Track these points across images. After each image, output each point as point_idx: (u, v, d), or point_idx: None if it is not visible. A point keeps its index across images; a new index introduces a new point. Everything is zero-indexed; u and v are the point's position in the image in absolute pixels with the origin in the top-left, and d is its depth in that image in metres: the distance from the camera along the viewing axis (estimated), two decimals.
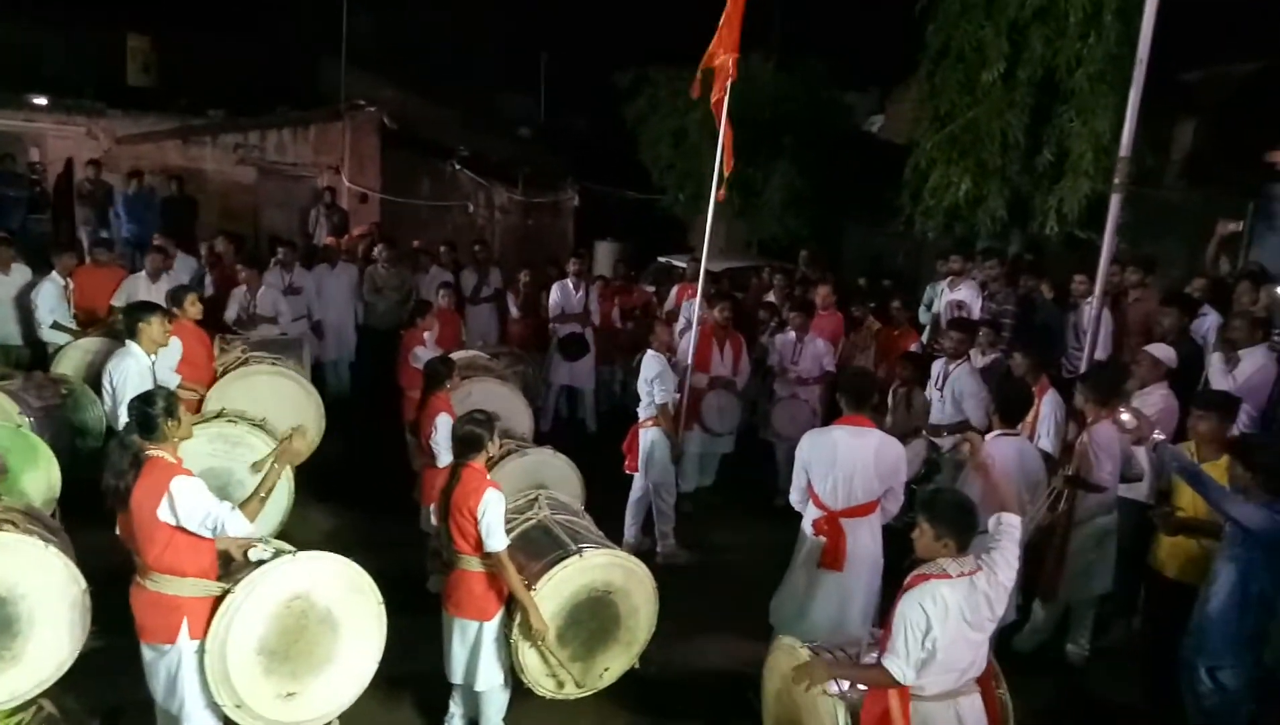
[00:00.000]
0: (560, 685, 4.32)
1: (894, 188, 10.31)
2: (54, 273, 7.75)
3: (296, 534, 5.67)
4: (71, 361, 6.70)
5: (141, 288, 7.81)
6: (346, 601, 3.96)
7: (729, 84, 6.23)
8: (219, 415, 5.67)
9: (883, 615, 3.88)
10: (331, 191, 13.00)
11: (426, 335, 7.48)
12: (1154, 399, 5.46)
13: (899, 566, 3.56)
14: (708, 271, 7.09)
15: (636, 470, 6.53)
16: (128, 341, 5.58)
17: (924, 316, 8.92)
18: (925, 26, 9.72)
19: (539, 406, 8.94)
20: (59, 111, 12.96)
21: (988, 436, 4.86)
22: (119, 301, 7.68)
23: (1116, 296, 7.46)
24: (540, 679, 4.27)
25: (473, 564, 4.09)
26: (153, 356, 5.61)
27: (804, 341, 7.68)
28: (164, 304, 6.12)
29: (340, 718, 4.07)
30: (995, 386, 5.77)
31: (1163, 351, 5.68)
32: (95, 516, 3.71)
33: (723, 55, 6.17)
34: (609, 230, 15.96)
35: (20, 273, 8.00)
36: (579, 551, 4.27)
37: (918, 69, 10.19)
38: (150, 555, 3.56)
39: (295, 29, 15.29)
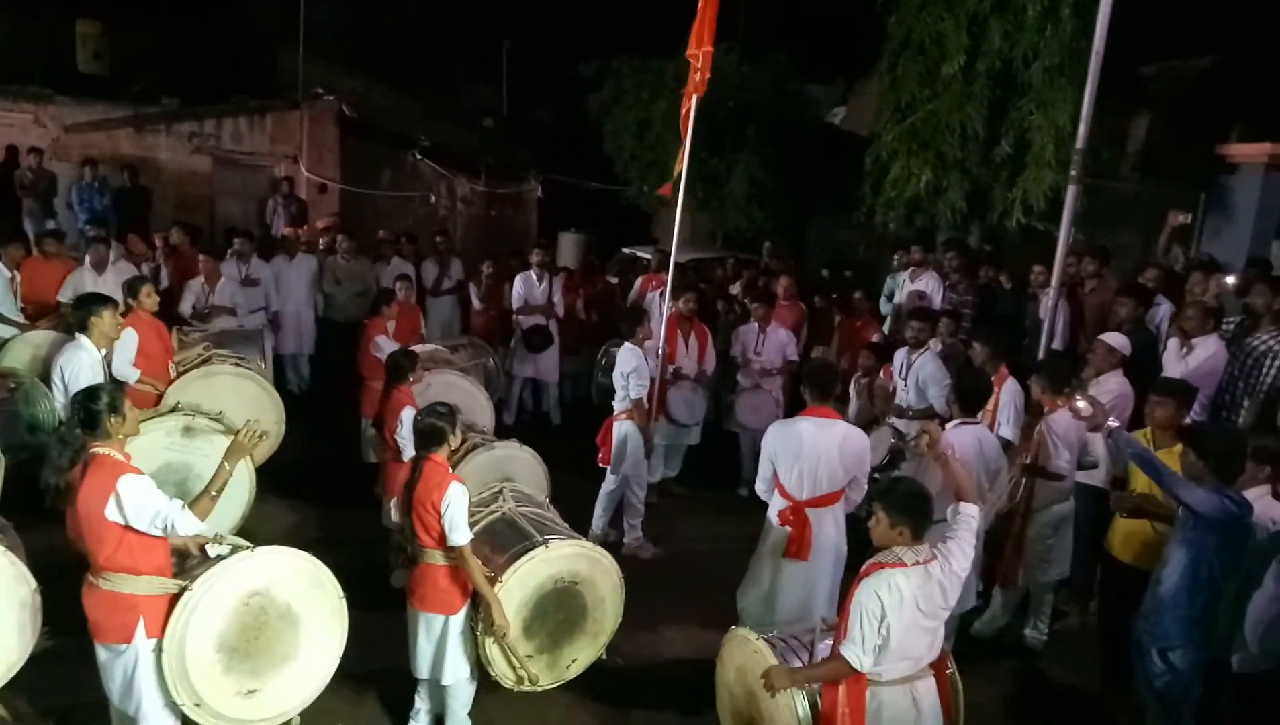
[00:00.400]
0: (523, 680, 4.29)
1: (856, 179, 10.38)
2: None
3: (257, 530, 5.59)
4: (19, 355, 6.52)
5: (88, 280, 7.62)
6: (307, 596, 3.90)
7: (700, 78, 6.19)
8: (174, 409, 5.55)
9: (840, 603, 3.92)
10: (289, 181, 12.80)
11: (389, 325, 7.40)
12: (1109, 386, 5.55)
13: (860, 555, 3.59)
14: (674, 263, 7.08)
15: (609, 463, 6.51)
16: (78, 335, 5.46)
17: (885, 307, 9.00)
18: (887, 19, 9.79)
19: (502, 399, 8.91)
20: (4, 98, 12.58)
21: (948, 425, 4.92)
22: (65, 295, 7.50)
23: (1073, 287, 7.58)
24: (507, 672, 4.25)
25: (437, 558, 4.06)
26: (104, 350, 5.48)
27: (766, 332, 7.72)
28: (113, 295, 5.99)
29: (304, 714, 4.02)
30: (954, 375, 5.84)
31: (1117, 340, 5.78)
32: (47, 513, 3.62)
33: (698, 49, 6.13)
34: (572, 221, 15.90)
35: None
36: (544, 542, 4.25)
37: (880, 61, 10.26)
38: (102, 555, 3.47)
39: (252, 16, 15.01)
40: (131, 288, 6.33)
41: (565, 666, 4.45)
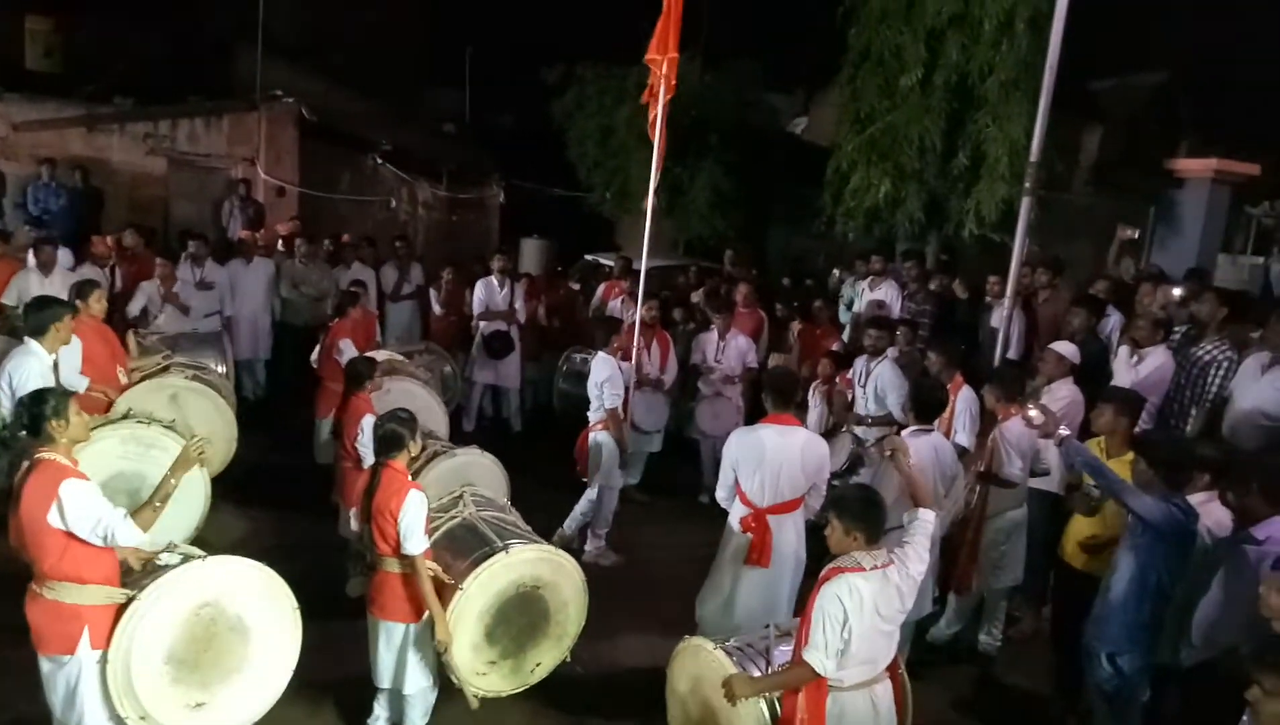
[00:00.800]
0: (474, 697, 4.25)
1: (817, 189, 10.49)
2: None
3: (212, 538, 5.50)
4: None
5: (34, 282, 7.41)
6: (259, 608, 3.85)
7: (665, 86, 6.18)
8: (127, 416, 5.43)
9: (799, 608, 3.95)
10: (246, 184, 12.60)
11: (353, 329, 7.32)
12: (1060, 394, 5.66)
13: (820, 562, 3.62)
14: (637, 271, 7.09)
15: (586, 475, 6.48)
16: (26, 339, 5.30)
17: (844, 316, 9.09)
18: (847, 31, 9.91)
19: (461, 405, 8.85)
20: None
21: (904, 433, 4.99)
22: (10, 298, 7.30)
23: (1028, 297, 7.72)
24: (470, 678, 4.21)
25: (396, 566, 4.02)
26: (54, 355, 5.34)
27: (727, 340, 7.76)
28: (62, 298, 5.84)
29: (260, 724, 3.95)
30: (911, 385, 5.92)
31: (1067, 349, 5.90)
32: None
33: (662, 56, 6.13)
34: (535, 227, 15.86)
35: None
36: (506, 548, 4.24)
37: (840, 72, 10.39)
38: (46, 563, 3.39)
39: (208, 15, 14.76)
40: (81, 291, 6.17)
41: (530, 671, 4.44)
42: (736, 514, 4.76)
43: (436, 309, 9.48)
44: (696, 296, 9.58)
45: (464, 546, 4.35)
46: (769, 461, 4.60)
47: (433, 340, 9.15)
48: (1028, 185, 5.98)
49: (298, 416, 7.82)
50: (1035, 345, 7.44)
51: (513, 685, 4.40)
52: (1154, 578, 3.99)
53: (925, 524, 3.56)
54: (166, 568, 3.64)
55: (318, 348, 7.36)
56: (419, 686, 4.17)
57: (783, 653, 3.64)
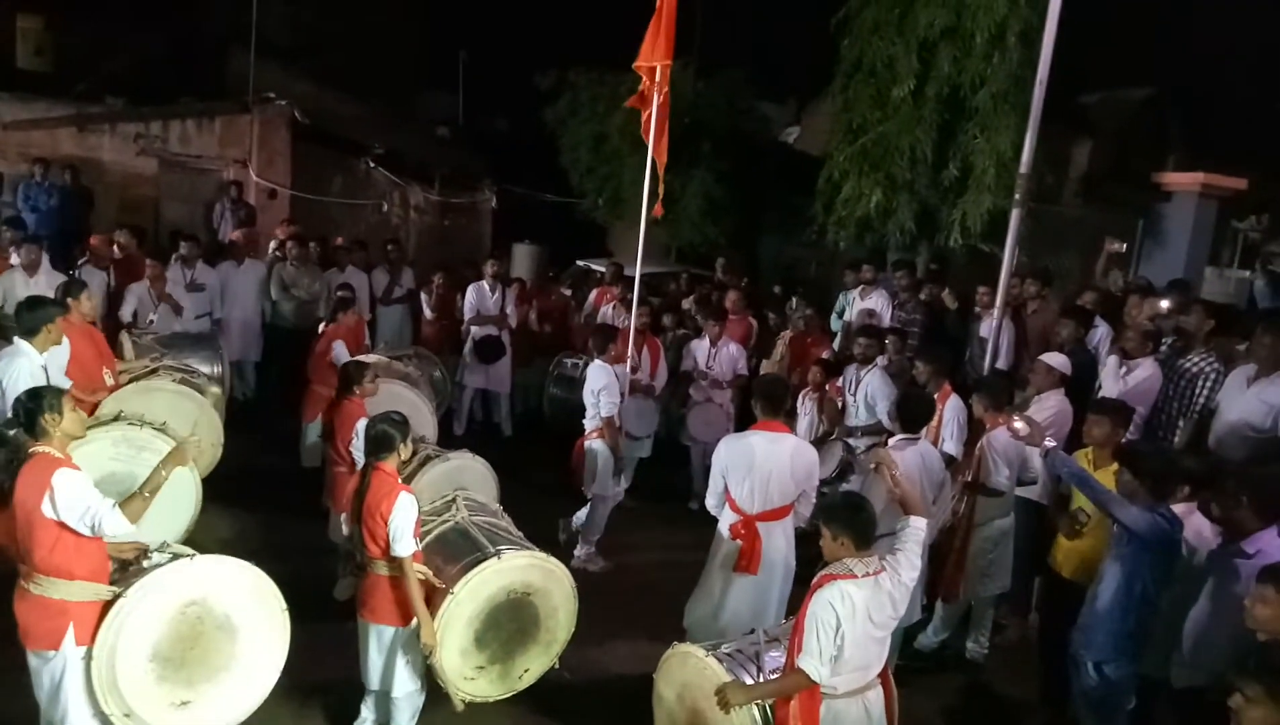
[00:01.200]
0: (460, 700, 4.24)
1: (808, 198, 10.54)
2: None
3: (201, 540, 5.45)
4: None
5: (19, 283, 7.38)
6: (246, 607, 3.84)
7: (662, 93, 6.20)
8: (118, 418, 5.40)
9: (788, 615, 3.96)
10: (238, 186, 12.57)
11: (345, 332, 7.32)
12: (1049, 405, 5.70)
13: (809, 569, 3.64)
14: (628, 277, 7.11)
15: (582, 484, 6.48)
16: (16, 339, 5.27)
17: (836, 324, 9.13)
18: (840, 41, 9.97)
19: (452, 409, 8.84)
20: None
21: (891, 441, 5.03)
22: None
23: (1017, 308, 7.78)
24: (458, 683, 4.21)
25: (386, 569, 4.02)
26: (45, 355, 5.31)
27: (718, 346, 7.78)
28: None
29: None
30: (899, 394, 5.96)
31: (1057, 360, 5.94)
32: None
33: (653, 63, 6.14)
34: (527, 233, 15.86)
35: None
36: (497, 553, 4.23)
37: (833, 83, 10.45)
38: (37, 555, 3.42)
39: (201, 16, 14.74)
40: (70, 290, 6.14)
41: (518, 677, 4.43)
42: (726, 521, 4.77)
43: (428, 313, 9.48)
44: (687, 303, 9.60)
45: (456, 551, 4.35)
46: (758, 468, 4.61)
47: (423, 345, 9.14)
48: (1018, 196, 6.03)
49: (287, 419, 7.80)
50: (1024, 355, 7.49)
51: (500, 691, 4.39)
52: (1139, 587, 4.02)
53: (917, 532, 3.59)
54: (154, 566, 3.64)
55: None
56: (407, 689, 4.17)
57: (773, 658, 3.64)
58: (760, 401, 4.82)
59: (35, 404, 3.54)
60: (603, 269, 10.80)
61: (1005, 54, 8.93)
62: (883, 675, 3.59)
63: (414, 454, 4.97)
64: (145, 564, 3.71)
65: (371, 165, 14.93)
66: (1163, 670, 4.08)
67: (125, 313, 8.07)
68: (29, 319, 5.20)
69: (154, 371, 6.26)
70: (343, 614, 4.54)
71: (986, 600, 5.55)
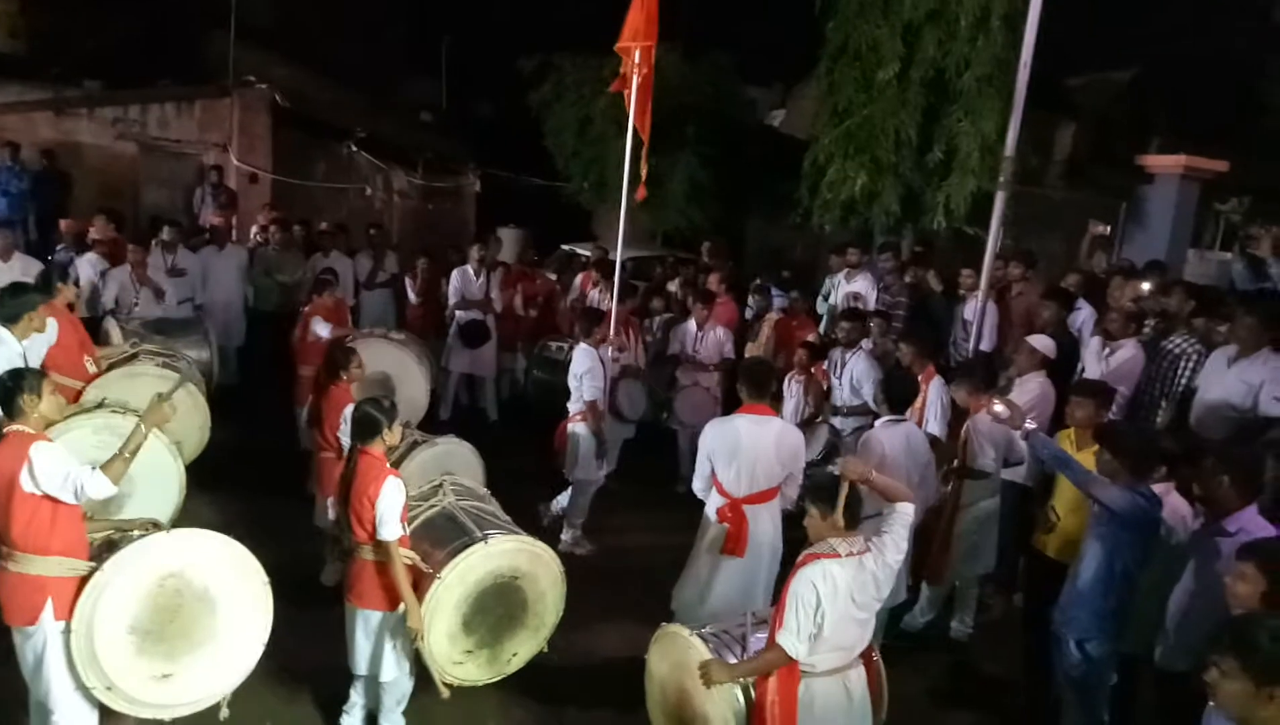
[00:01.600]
0: (447, 686, 4.25)
1: (794, 181, 10.53)
2: None
3: (186, 525, 5.39)
4: None
5: None
6: (226, 580, 3.85)
7: (641, 74, 6.14)
8: (101, 405, 5.36)
9: (775, 597, 3.98)
10: (218, 170, 12.45)
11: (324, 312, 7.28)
12: (1031, 387, 5.74)
13: (796, 551, 3.65)
14: (612, 261, 7.09)
15: (565, 467, 6.49)
16: None
17: (821, 307, 9.15)
18: (825, 24, 9.94)
19: (437, 393, 8.81)
20: None
21: (877, 422, 5.05)
22: None
23: (1001, 290, 7.81)
24: (446, 667, 4.21)
25: (374, 554, 4.02)
26: (25, 342, 5.26)
27: (705, 330, 7.79)
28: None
29: (236, 712, 3.94)
30: (883, 376, 5.99)
31: (1042, 342, 5.98)
32: None
33: (634, 44, 6.08)
34: (511, 217, 15.78)
35: None
36: (484, 538, 4.23)
37: (818, 66, 10.43)
38: (14, 531, 3.47)
39: None
40: (50, 277, 6.09)
41: (506, 661, 4.43)
42: (713, 504, 4.79)
43: (412, 298, 9.44)
44: (673, 286, 9.59)
45: (443, 536, 4.35)
46: (744, 451, 4.62)
47: (408, 329, 9.09)
48: (1002, 179, 6.04)
49: (271, 403, 7.76)
50: (1008, 337, 7.53)
51: (489, 675, 4.40)
52: (1120, 565, 4.06)
53: (904, 515, 3.59)
54: (130, 540, 3.66)
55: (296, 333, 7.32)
56: (395, 674, 4.17)
57: (758, 640, 3.67)
58: (745, 384, 4.82)
59: (14, 384, 3.59)
60: (588, 253, 10.76)
61: (989, 37, 8.94)
62: (868, 655, 3.62)
63: (402, 440, 4.95)
64: (126, 540, 3.72)
65: (354, 149, 14.82)
66: (1144, 648, 4.14)
67: (108, 299, 7.99)
68: (11, 306, 5.15)
69: (134, 357, 6.20)
70: (330, 599, 4.54)
71: (971, 580, 5.61)
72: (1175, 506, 4.30)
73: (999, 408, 4.57)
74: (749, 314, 8.85)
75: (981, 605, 5.81)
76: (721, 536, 4.70)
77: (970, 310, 7.09)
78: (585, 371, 6.29)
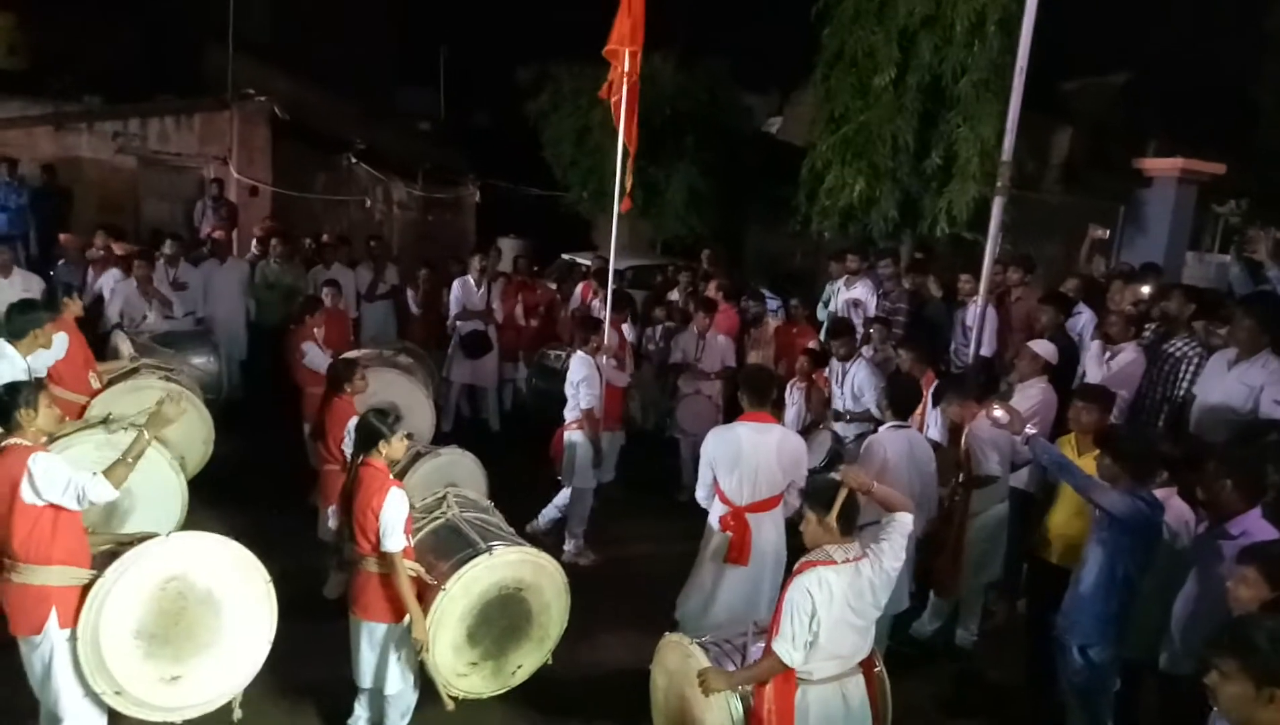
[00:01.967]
0: (453, 699, 4.24)
1: (792, 188, 10.55)
2: None
3: None
4: None
5: None
6: (229, 581, 3.87)
7: (629, 81, 6.14)
8: (105, 421, 5.37)
9: (775, 605, 3.98)
10: (219, 183, 12.48)
11: (316, 332, 7.27)
12: (1032, 392, 5.73)
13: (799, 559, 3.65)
14: (606, 269, 7.10)
15: (562, 474, 6.50)
16: (1, 341, 5.22)
17: (822, 314, 9.16)
18: (821, 31, 9.97)
19: (439, 405, 8.81)
20: None
21: (880, 428, 5.04)
22: None
23: (1001, 295, 7.81)
24: (451, 679, 4.21)
25: (378, 566, 4.01)
26: (29, 358, 5.27)
27: (706, 338, 7.80)
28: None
29: None
30: (886, 382, 5.99)
31: (1043, 347, 5.97)
32: None
33: (622, 48, 6.08)
34: (511, 227, 15.82)
35: None
36: (489, 549, 4.23)
37: (814, 73, 10.46)
38: (16, 542, 3.50)
39: (179, 12, 14.57)
40: (63, 292, 6.14)
41: (511, 673, 4.43)
42: (716, 512, 4.79)
43: (414, 309, 9.45)
44: (674, 294, 9.61)
45: (447, 547, 4.35)
46: (746, 459, 4.62)
47: (409, 340, 9.11)
48: (1000, 184, 6.04)
49: (272, 418, 7.77)
50: (1007, 343, 7.53)
51: (494, 687, 4.39)
52: (1121, 570, 4.05)
53: (903, 524, 3.57)
54: (130, 545, 3.69)
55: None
56: (400, 687, 4.16)
57: (758, 650, 3.67)
58: (746, 392, 4.82)
59: (11, 398, 3.62)
60: (588, 262, 10.77)
61: (985, 42, 8.97)
62: (869, 665, 3.60)
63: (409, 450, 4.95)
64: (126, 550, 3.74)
65: (353, 161, 14.86)
66: (1147, 653, 4.13)
67: (113, 313, 8.02)
68: (18, 322, 5.19)
69: (135, 370, 6.21)
70: (334, 612, 4.54)
71: (978, 588, 5.58)
72: (1178, 511, 4.29)
73: (998, 412, 4.57)
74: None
75: (985, 612, 5.79)
76: (725, 545, 4.70)
77: (970, 315, 7.09)
78: (582, 379, 6.32)
